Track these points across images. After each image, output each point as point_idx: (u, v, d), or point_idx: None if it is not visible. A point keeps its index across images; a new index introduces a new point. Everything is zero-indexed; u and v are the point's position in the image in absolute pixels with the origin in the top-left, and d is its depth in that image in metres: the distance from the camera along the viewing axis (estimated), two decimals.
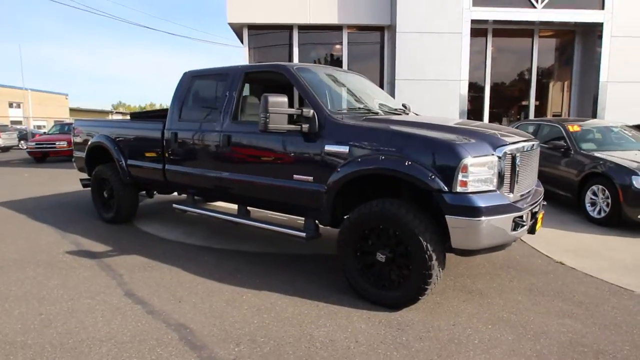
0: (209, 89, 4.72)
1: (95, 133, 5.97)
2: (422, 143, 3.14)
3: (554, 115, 11.61)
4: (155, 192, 6.23)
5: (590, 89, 10.64)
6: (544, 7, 10.01)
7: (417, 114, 4.63)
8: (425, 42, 9.85)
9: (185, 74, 4.91)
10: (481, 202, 2.97)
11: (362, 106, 4.15)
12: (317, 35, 11.02)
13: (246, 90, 4.84)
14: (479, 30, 10.47)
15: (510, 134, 3.52)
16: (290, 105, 3.72)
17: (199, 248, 4.80)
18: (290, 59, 10.78)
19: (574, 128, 6.94)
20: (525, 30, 10.91)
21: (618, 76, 10.15)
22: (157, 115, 5.54)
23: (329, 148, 3.52)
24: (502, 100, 11.61)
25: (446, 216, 3.00)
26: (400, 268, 3.25)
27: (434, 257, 3.05)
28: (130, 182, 5.56)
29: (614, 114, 10.03)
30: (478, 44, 10.74)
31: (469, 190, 2.99)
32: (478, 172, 3.01)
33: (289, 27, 10.69)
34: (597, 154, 6.25)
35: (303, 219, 3.87)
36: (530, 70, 11.22)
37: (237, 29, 10.96)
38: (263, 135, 3.92)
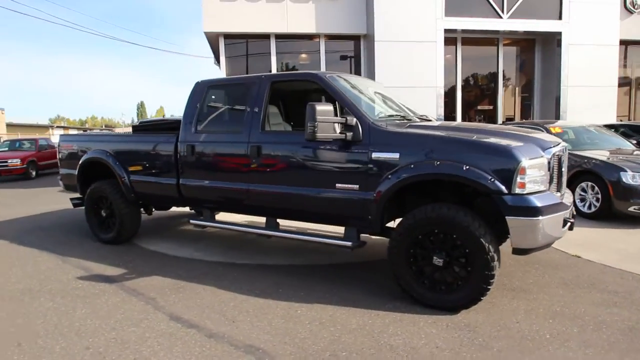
0: (229, 98, 4.57)
1: (89, 148, 5.57)
2: (478, 148, 3.22)
3: (507, 119, 12.30)
4: (153, 209, 5.94)
5: (551, 93, 11.41)
6: (509, 17, 10.65)
7: (437, 120, 4.74)
8: (402, 50, 10.14)
9: (198, 83, 4.72)
10: (539, 202, 3.09)
11: (395, 113, 4.19)
12: (294, 44, 11.02)
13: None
14: (449, 39, 10.92)
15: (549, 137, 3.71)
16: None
17: (222, 265, 4.60)
18: (269, 68, 10.69)
19: (555, 130, 7.40)
20: (491, 38, 11.53)
21: (577, 81, 10.97)
22: (164, 127, 5.27)
23: (377, 155, 3.51)
24: (471, 104, 12.16)
25: (507, 217, 3.09)
26: (456, 271, 3.30)
27: (496, 258, 3.13)
28: (134, 199, 5.24)
29: (575, 116, 10.81)
30: (449, 51, 11.20)
31: (526, 192, 3.10)
32: (533, 174, 3.13)
33: (266, 37, 10.60)
34: (580, 153, 6.71)
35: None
36: (496, 76, 11.86)
37: (213, 39, 10.72)
38: (301, 145, 3.85)
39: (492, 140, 3.28)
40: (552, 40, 11.20)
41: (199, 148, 4.50)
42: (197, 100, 4.62)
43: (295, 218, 4.24)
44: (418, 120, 4.16)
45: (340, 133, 3.56)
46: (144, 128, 5.70)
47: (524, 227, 3.09)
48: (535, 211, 3.06)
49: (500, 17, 10.64)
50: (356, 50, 11.19)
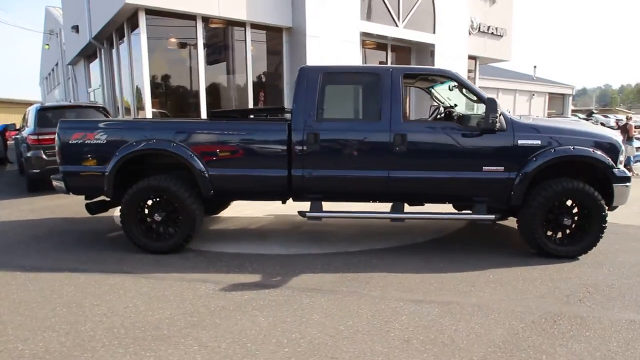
0: (351, 87, 4.53)
1: (131, 138, 4.48)
2: (596, 137, 4.39)
3: None
4: None
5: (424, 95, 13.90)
6: (404, 27, 12.53)
7: None
8: (330, 47, 10.78)
9: (307, 69, 4.48)
10: (628, 174, 4.47)
11: None
12: (220, 31, 10.34)
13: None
14: None
15: None
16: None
17: (342, 255, 4.54)
18: (196, 54, 9.78)
19: None
20: (383, 44, 13.26)
21: None
22: (240, 115, 4.67)
23: (522, 142, 4.30)
24: None
25: (614, 185, 4.35)
26: (574, 227, 4.43)
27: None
28: (210, 197, 4.56)
29: None
30: None
31: (621, 167, 4.44)
32: (622, 154, 4.50)
33: (192, 18, 9.65)
34: None
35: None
36: None
37: (130, 12, 9.11)
38: (453, 134, 4.31)
39: (601, 132, 4.52)
40: (426, 50, 13.67)
41: (326, 136, 4.35)
42: (313, 87, 4.41)
43: (429, 200, 4.63)
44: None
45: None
46: (222, 116, 4.86)
47: (623, 191, 4.41)
48: (628, 179, 4.42)
49: (397, 26, 12.43)
50: (278, 43, 11.23)
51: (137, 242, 4.57)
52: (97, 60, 13.10)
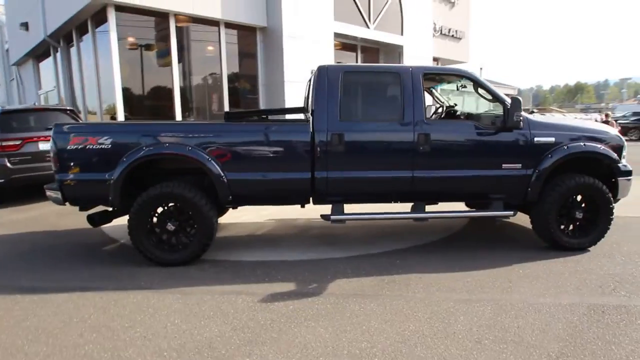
0: (372, 86, 4.45)
1: (140, 141, 4.12)
2: (603, 134, 4.62)
3: None
4: None
5: None
6: (374, 29, 12.66)
7: None
8: (306, 47, 10.67)
9: (325, 69, 4.34)
10: (630, 168, 4.75)
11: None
12: (193, 29, 9.90)
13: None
14: None
15: None
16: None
17: (368, 257, 4.47)
18: (169, 52, 9.29)
19: None
20: (352, 44, 13.33)
21: None
22: (257, 116, 4.44)
23: (538, 140, 4.43)
24: None
25: (619, 179, 4.61)
26: (583, 219, 4.64)
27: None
28: (228, 203, 4.31)
29: None
30: None
31: (624, 162, 4.71)
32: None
33: (164, 15, 9.15)
34: None
35: None
36: None
37: (97, 8, 8.46)
38: (474, 133, 4.36)
39: (604, 128, 4.76)
40: (394, 51, 13.91)
41: (351, 137, 4.24)
42: (334, 87, 4.29)
43: (450, 199, 4.66)
44: None
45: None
46: (238, 117, 4.56)
47: (626, 185, 4.67)
48: (630, 173, 4.70)
49: (369, 27, 12.53)
50: (252, 43, 10.94)
51: (149, 255, 4.22)
52: (49, 60, 12.11)
